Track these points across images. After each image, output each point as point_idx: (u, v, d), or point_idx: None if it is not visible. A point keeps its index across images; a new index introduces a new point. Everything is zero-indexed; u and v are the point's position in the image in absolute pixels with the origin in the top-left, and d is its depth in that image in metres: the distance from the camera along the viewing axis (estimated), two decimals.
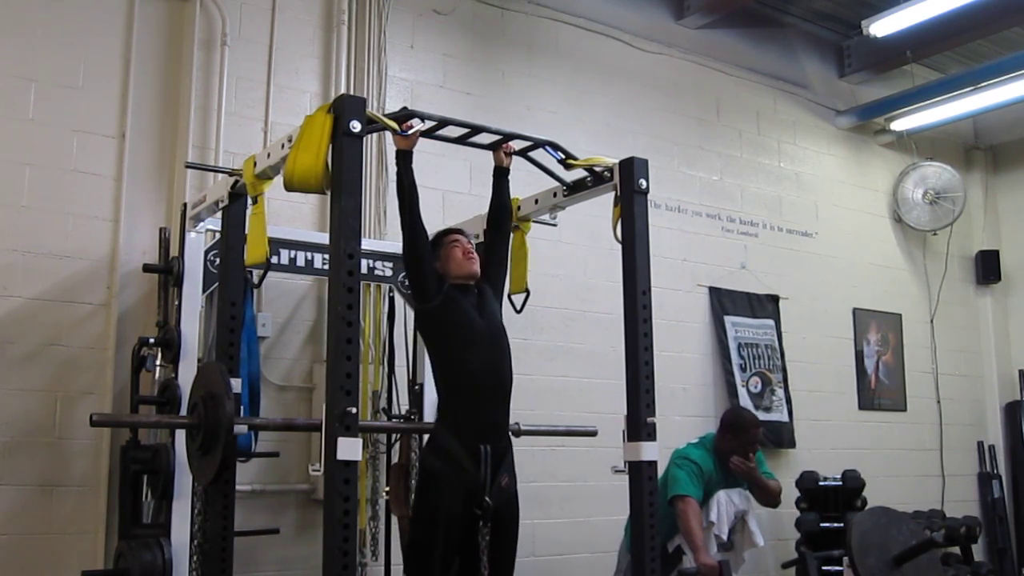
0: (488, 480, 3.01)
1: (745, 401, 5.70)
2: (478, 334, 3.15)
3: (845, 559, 4.16)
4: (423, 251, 3.17)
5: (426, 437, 4.01)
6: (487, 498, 2.99)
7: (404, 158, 3.08)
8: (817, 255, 6.49)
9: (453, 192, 4.90)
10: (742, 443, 4.41)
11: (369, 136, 3.58)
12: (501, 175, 3.43)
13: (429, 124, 3.14)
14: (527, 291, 3.61)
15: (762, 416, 5.69)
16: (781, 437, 5.92)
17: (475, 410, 3.09)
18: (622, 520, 4.21)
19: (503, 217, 3.47)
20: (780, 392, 5.98)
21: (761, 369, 5.92)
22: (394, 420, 4.25)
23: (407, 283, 3.35)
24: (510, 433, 3.26)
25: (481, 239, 3.84)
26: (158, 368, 3.72)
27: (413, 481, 4.01)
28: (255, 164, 3.01)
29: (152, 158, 4.17)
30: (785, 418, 5.96)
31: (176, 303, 3.66)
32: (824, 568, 4.74)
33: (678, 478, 4.25)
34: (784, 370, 6.04)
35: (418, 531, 3.06)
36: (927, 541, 3.01)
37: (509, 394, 3.23)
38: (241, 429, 2.93)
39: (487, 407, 3.12)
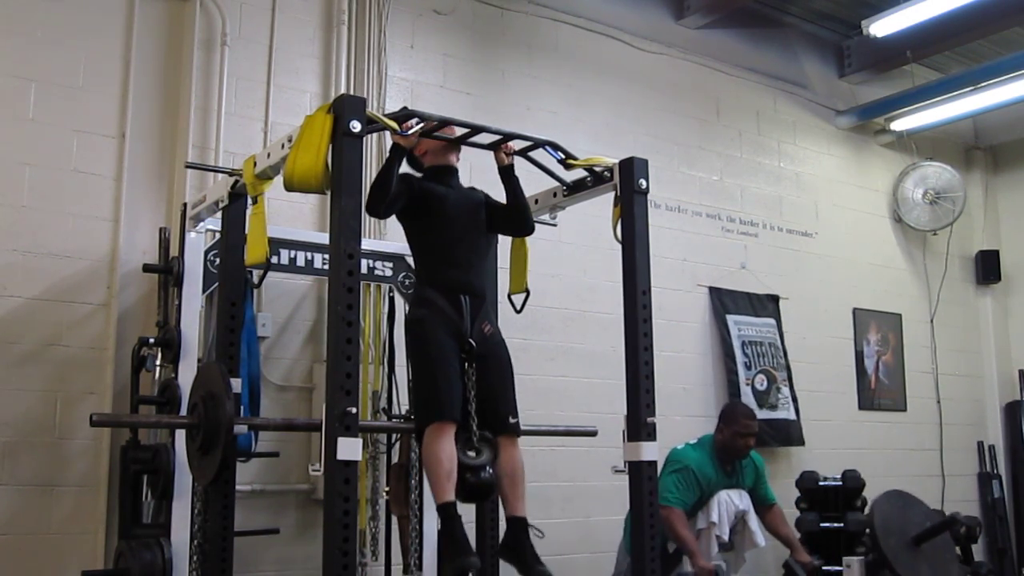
0: (469, 325, 3.08)
1: (749, 399, 5.68)
2: (450, 205, 3.19)
3: (844, 559, 4.18)
4: (397, 206, 3.17)
5: None
6: (470, 339, 3.06)
7: (398, 153, 3.08)
8: (817, 255, 6.49)
9: None
10: (735, 431, 4.44)
11: (369, 136, 3.57)
12: (507, 174, 3.40)
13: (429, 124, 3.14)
14: (527, 291, 3.60)
15: (768, 414, 5.69)
16: (788, 435, 5.91)
17: (450, 271, 3.14)
18: (622, 520, 4.22)
19: (523, 219, 3.39)
20: (786, 390, 5.98)
21: (766, 367, 5.92)
22: (394, 420, 4.25)
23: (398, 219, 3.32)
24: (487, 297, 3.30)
25: None
26: (158, 368, 3.72)
27: (413, 481, 4.01)
28: (255, 164, 3.01)
29: (152, 158, 4.17)
30: (792, 416, 5.96)
31: (176, 303, 3.66)
32: (824, 568, 4.74)
33: (666, 485, 4.26)
34: (788, 368, 6.04)
35: (423, 367, 3.06)
36: (948, 519, 3.03)
37: (485, 268, 3.32)
38: (241, 429, 2.93)
39: (463, 270, 3.16)
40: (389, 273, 4.23)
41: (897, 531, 2.80)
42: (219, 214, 3.36)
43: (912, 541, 2.83)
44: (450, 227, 3.16)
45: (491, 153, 3.51)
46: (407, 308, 3.34)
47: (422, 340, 3.06)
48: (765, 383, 5.89)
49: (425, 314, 3.07)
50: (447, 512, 2.87)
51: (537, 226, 3.73)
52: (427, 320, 3.06)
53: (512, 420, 3.12)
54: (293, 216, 4.37)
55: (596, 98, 5.57)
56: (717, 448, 4.49)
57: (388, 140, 4.62)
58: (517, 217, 3.37)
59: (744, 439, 4.45)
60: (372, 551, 4.22)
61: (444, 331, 3.04)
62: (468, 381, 3.05)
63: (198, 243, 3.70)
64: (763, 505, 4.62)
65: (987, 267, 7.37)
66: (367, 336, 4.27)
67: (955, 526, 3.18)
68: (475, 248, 3.23)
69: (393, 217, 4.60)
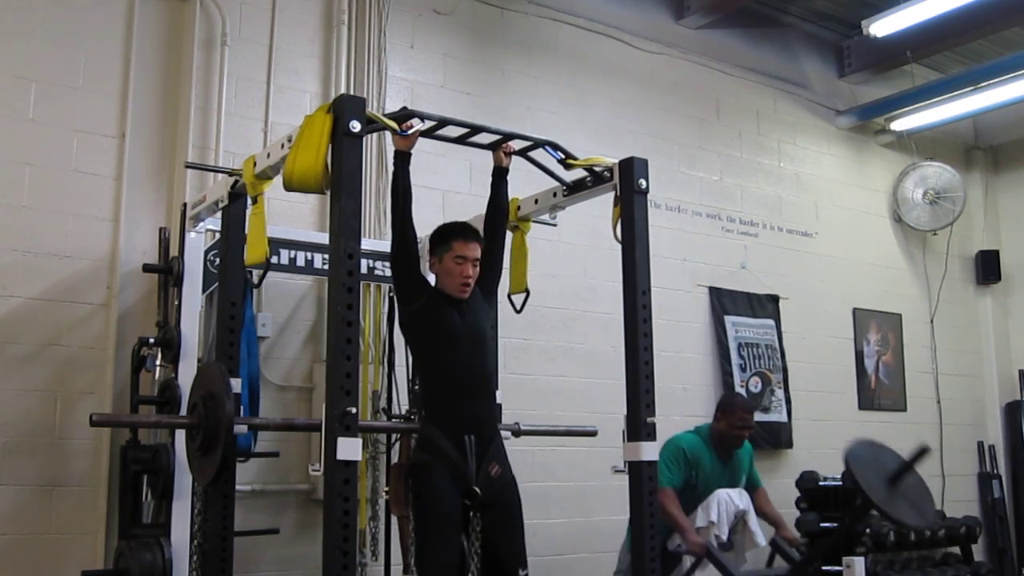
0: (474, 469, 3.02)
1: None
2: (459, 335, 3.14)
3: (844, 559, 4.19)
4: (410, 253, 3.19)
5: None
6: (475, 487, 3.00)
7: (402, 159, 3.08)
8: (817, 255, 6.49)
9: (453, 192, 4.90)
10: (731, 423, 4.46)
11: (369, 136, 3.58)
12: (500, 176, 3.42)
13: (429, 124, 3.14)
14: (527, 291, 3.60)
15: (761, 416, 5.69)
16: (779, 437, 5.92)
17: (456, 405, 3.09)
18: (622, 520, 4.21)
19: (500, 220, 3.46)
20: (780, 392, 5.98)
21: (761, 369, 5.92)
22: (394, 420, 4.25)
23: (393, 281, 3.33)
24: (498, 427, 3.27)
25: None
26: (158, 368, 3.72)
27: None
28: (255, 164, 3.01)
29: (152, 158, 4.17)
30: (784, 418, 5.97)
31: (176, 303, 3.66)
32: (824, 568, 4.73)
33: (658, 468, 4.28)
34: (784, 370, 6.05)
35: (419, 524, 3.03)
36: (918, 451, 3.06)
37: (491, 390, 3.26)
38: (241, 429, 2.93)
39: (469, 402, 3.12)
40: (389, 273, 4.22)
41: (873, 473, 2.84)
42: (219, 214, 3.36)
43: (888, 481, 2.88)
44: (457, 357, 3.12)
45: (491, 153, 3.51)
46: (413, 443, 3.26)
47: (422, 492, 3.01)
48: (760, 385, 5.89)
49: (428, 460, 3.03)
50: None
51: (537, 226, 3.74)
52: (429, 468, 3.01)
53: (521, 573, 3.07)
54: (293, 216, 4.37)
55: (596, 98, 5.57)
56: (714, 437, 4.51)
57: (388, 140, 4.66)
58: (498, 220, 3.42)
59: (740, 431, 4.48)
60: (372, 551, 4.22)
61: (447, 481, 2.99)
62: (472, 533, 2.99)
63: (198, 243, 3.70)
64: (752, 488, 4.66)
65: (987, 267, 7.37)
66: (367, 336, 4.27)
67: (924, 454, 3.23)
68: (483, 369, 3.20)
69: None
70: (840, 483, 5.56)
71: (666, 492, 4.26)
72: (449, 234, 3.24)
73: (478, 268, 3.23)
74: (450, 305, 3.18)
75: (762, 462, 5.20)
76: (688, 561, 4.25)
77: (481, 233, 3.54)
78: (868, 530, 5.33)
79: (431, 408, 3.13)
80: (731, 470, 4.54)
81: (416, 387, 4.13)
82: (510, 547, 3.08)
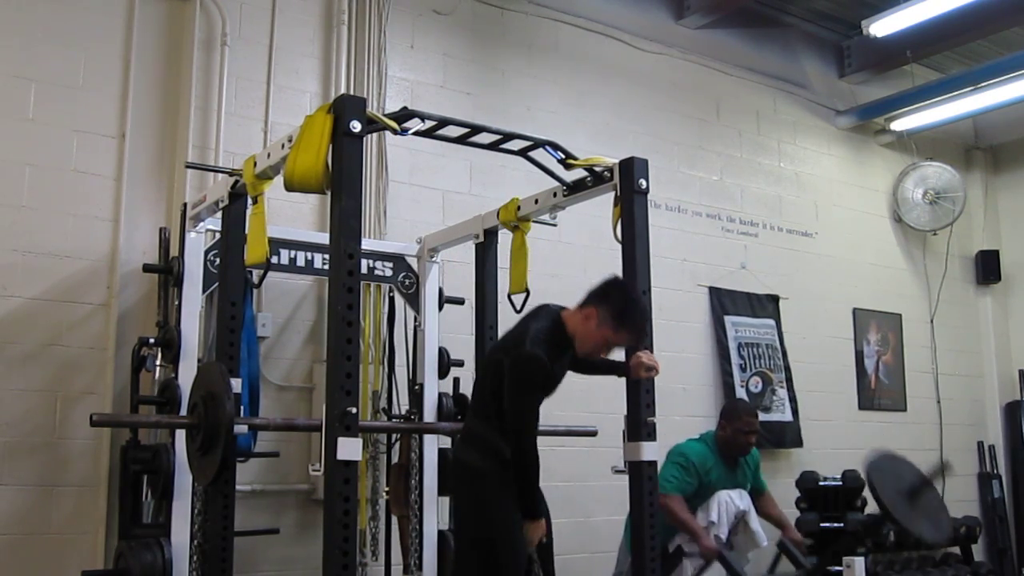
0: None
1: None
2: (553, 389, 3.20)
3: (844, 559, 4.19)
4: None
5: (426, 437, 4.03)
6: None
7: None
8: (817, 255, 6.49)
9: (453, 192, 4.90)
10: (736, 428, 4.47)
11: (369, 136, 3.57)
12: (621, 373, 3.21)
13: (429, 124, 3.13)
14: (527, 291, 3.60)
15: (762, 416, 5.68)
16: (783, 437, 5.91)
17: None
18: (622, 520, 4.22)
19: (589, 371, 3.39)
20: (782, 392, 5.97)
21: (762, 369, 5.92)
22: (394, 420, 4.25)
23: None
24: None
25: (480, 239, 3.85)
26: (158, 368, 3.72)
27: (413, 481, 4.01)
28: (255, 164, 3.01)
29: (152, 158, 4.17)
30: (789, 417, 5.96)
31: (176, 303, 3.66)
32: (824, 568, 4.73)
33: (663, 475, 4.29)
34: (787, 369, 6.04)
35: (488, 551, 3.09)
36: (939, 467, 3.07)
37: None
38: (241, 429, 2.94)
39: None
40: (389, 273, 4.23)
41: (894, 487, 2.85)
42: (219, 214, 3.36)
43: (907, 495, 2.89)
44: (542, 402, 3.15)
45: (491, 153, 3.50)
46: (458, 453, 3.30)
47: (504, 528, 3.05)
48: (760, 385, 5.89)
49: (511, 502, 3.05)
50: None
51: (537, 226, 3.74)
52: (511, 509, 3.05)
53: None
54: (293, 216, 4.37)
55: (596, 98, 5.56)
56: (719, 444, 4.51)
57: (388, 140, 4.66)
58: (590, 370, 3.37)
59: (746, 436, 4.48)
60: (372, 551, 4.22)
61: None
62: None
63: (198, 243, 3.69)
64: (757, 492, 4.67)
65: (987, 267, 7.37)
66: (367, 336, 4.27)
67: (945, 472, 3.26)
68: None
69: (393, 217, 4.67)
70: (840, 483, 5.56)
71: (675, 499, 4.26)
72: (631, 324, 3.05)
73: None
74: (564, 355, 3.14)
75: (766, 462, 5.20)
76: (692, 566, 4.25)
77: (482, 234, 3.53)
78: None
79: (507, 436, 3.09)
80: (737, 476, 4.54)
81: (416, 387, 4.13)
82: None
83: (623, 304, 3.03)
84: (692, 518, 4.28)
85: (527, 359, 3.00)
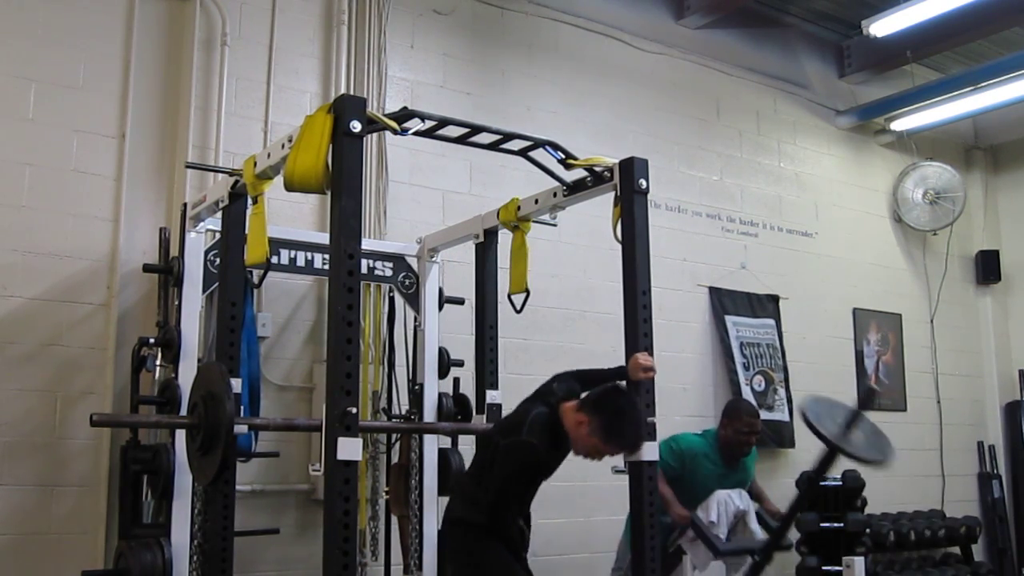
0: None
1: (749, 399, 5.68)
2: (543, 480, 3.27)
3: (844, 559, 4.21)
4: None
5: (426, 437, 4.03)
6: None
7: None
8: (817, 255, 6.49)
9: (453, 192, 4.90)
10: (737, 428, 4.46)
11: (369, 136, 3.57)
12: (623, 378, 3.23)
13: (429, 124, 3.13)
14: (527, 291, 3.60)
15: (765, 415, 5.68)
16: (782, 436, 5.91)
17: (517, 520, 3.26)
18: (622, 520, 4.22)
19: None
20: (782, 391, 5.98)
21: (764, 368, 5.92)
22: (394, 420, 4.25)
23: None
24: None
25: (480, 239, 3.85)
26: (158, 368, 3.72)
27: (413, 481, 4.01)
28: (255, 164, 3.00)
29: (152, 158, 4.17)
30: (786, 417, 5.96)
31: (176, 303, 3.66)
32: (824, 568, 4.75)
33: None
34: (786, 369, 6.04)
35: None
36: (865, 394, 3.10)
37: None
38: (241, 429, 2.93)
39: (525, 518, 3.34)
40: (389, 273, 4.23)
41: (829, 420, 2.93)
42: (219, 214, 3.35)
43: (844, 426, 2.98)
44: (533, 487, 3.23)
45: (491, 153, 3.50)
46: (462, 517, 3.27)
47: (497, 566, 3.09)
48: (763, 384, 5.89)
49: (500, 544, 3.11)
50: None
51: (537, 226, 3.74)
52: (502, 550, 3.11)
53: None
54: (293, 216, 4.37)
55: (596, 98, 5.57)
56: (720, 442, 4.51)
57: (388, 140, 4.66)
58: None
59: (746, 436, 4.48)
60: (372, 551, 4.22)
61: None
62: None
63: (198, 243, 3.69)
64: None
65: (987, 267, 7.37)
66: (367, 336, 4.27)
67: (872, 397, 3.31)
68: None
69: (392, 217, 4.66)
70: (840, 483, 5.56)
71: None
72: (619, 440, 3.04)
73: None
74: (559, 452, 3.18)
75: (764, 462, 5.21)
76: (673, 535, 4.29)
77: (482, 234, 3.53)
78: (868, 530, 5.33)
79: (495, 517, 3.14)
80: (737, 476, 4.53)
81: (416, 387, 4.13)
82: None
83: (613, 418, 3.01)
84: (666, 487, 4.26)
85: (521, 448, 3.04)
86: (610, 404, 3.04)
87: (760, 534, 4.45)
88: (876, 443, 3.16)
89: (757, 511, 4.47)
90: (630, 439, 3.01)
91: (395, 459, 4.19)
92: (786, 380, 6.03)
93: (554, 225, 3.93)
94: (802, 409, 3.07)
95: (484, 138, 3.29)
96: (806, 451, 5.97)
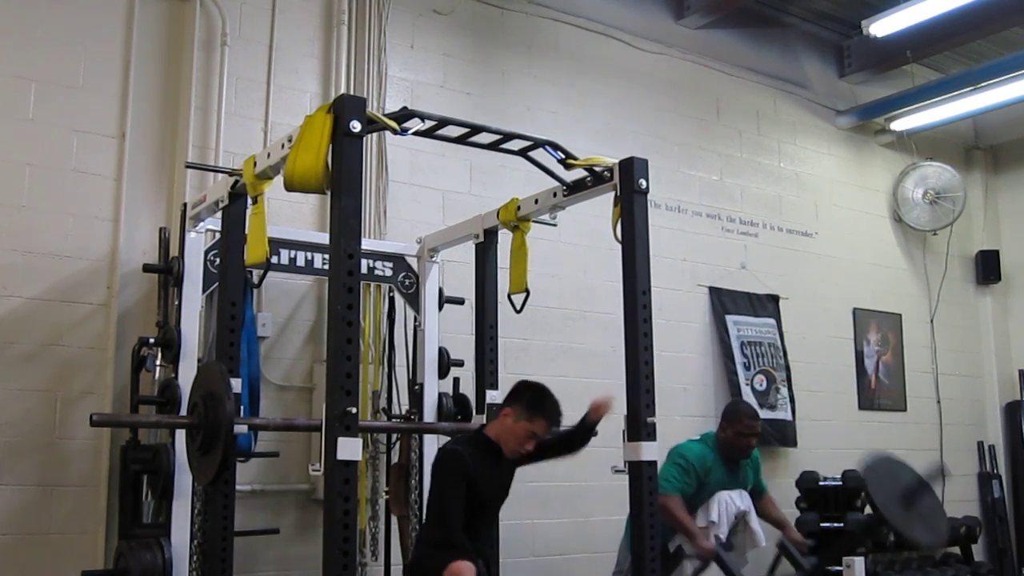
0: None
1: (749, 399, 5.68)
2: (486, 494, 3.28)
3: (844, 559, 4.20)
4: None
5: (426, 437, 4.04)
6: None
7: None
8: (817, 255, 6.49)
9: (453, 192, 4.90)
10: (737, 431, 4.44)
11: (369, 136, 3.57)
12: (588, 429, 3.42)
13: (429, 124, 3.13)
14: (527, 291, 3.60)
15: (767, 414, 5.68)
16: (785, 435, 5.91)
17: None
18: (622, 520, 4.22)
19: (559, 454, 3.52)
20: (785, 390, 5.98)
21: (765, 367, 5.92)
22: (394, 420, 4.25)
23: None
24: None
25: (480, 239, 3.85)
26: (158, 368, 3.72)
27: (413, 481, 4.01)
28: (255, 164, 3.01)
29: (152, 158, 4.17)
30: (789, 417, 5.96)
31: (176, 303, 3.66)
32: (824, 568, 4.73)
33: (665, 475, 4.28)
34: (787, 368, 6.04)
35: None
36: (935, 472, 3.05)
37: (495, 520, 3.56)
38: (241, 429, 2.93)
39: (480, 540, 3.31)
40: (389, 273, 4.23)
41: (890, 490, 2.84)
42: (219, 214, 3.35)
43: (903, 498, 2.88)
44: (480, 508, 3.24)
45: (491, 153, 3.50)
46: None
47: None
48: (765, 383, 5.89)
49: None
50: None
51: (537, 226, 3.74)
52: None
53: None
54: (293, 216, 4.37)
55: (596, 98, 5.57)
56: (720, 445, 4.49)
57: (388, 140, 4.66)
58: (557, 453, 3.50)
59: (746, 439, 4.45)
60: (372, 551, 4.23)
61: None
62: None
63: (198, 243, 3.69)
64: (757, 494, 4.65)
65: (987, 267, 7.37)
66: (367, 336, 4.27)
67: (942, 477, 3.24)
68: (493, 518, 3.47)
69: (392, 217, 4.66)
70: (840, 483, 5.56)
71: (674, 499, 4.25)
72: (543, 412, 3.30)
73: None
74: (489, 458, 3.29)
75: (767, 461, 5.19)
76: (691, 566, 4.24)
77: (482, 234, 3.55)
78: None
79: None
80: (737, 478, 4.52)
81: (416, 387, 4.14)
82: None
83: (532, 395, 3.31)
84: (690, 519, 4.27)
85: (441, 456, 3.28)
86: (525, 388, 3.35)
87: (760, 535, 4.45)
88: (933, 522, 3.04)
89: (782, 541, 4.43)
90: (552, 410, 3.30)
91: (395, 459, 4.19)
92: (788, 379, 6.03)
93: (554, 225, 3.93)
94: (864, 471, 3.00)
95: (484, 138, 3.29)
96: (805, 451, 5.98)
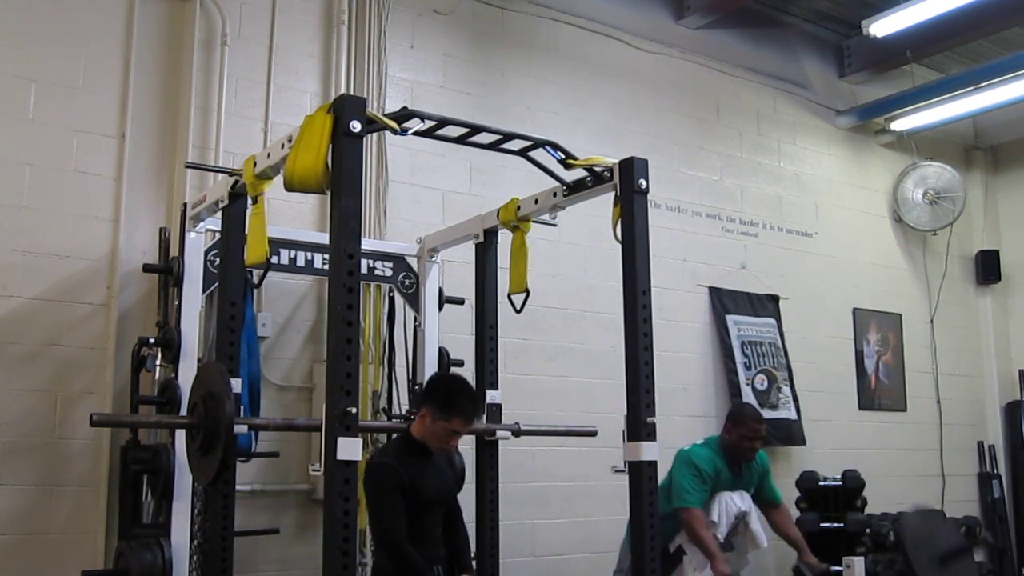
0: None
1: (749, 399, 5.67)
2: (427, 498, 3.28)
3: (844, 559, 4.20)
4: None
5: None
6: None
7: None
8: (817, 255, 6.49)
9: (453, 192, 4.90)
10: (741, 434, 4.41)
11: (369, 136, 3.57)
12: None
13: (429, 124, 3.13)
14: (527, 291, 3.60)
15: (769, 414, 5.67)
16: (790, 435, 5.90)
17: (423, 551, 3.23)
18: (622, 520, 4.21)
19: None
20: (787, 390, 5.97)
21: (766, 367, 5.92)
22: (394, 420, 4.25)
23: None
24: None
25: (480, 239, 3.85)
26: (158, 368, 3.72)
27: None
28: (255, 164, 3.00)
29: (152, 158, 4.17)
30: (793, 415, 5.96)
31: (176, 303, 3.66)
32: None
33: (682, 486, 4.25)
34: (789, 368, 6.04)
35: None
36: (976, 538, 3.02)
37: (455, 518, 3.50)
38: (241, 429, 2.93)
39: (433, 544, 3.32)
40: (389, 273, 4.23)
41: (926, 547, 2.79)
42: (219, 214, 3.35)
43: (940, 559, 2.84)
44: (426, 510, 3.27)
45: (491, 153, 3.50)
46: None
47: None
48: (766, 383, 5.89)
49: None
50: None
51: (537, 226, 3.74)
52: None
53: None
54: (293, 216, 4.37)
55: (596, 98, 5.57)
56: (724, 448, 4.46)
57: (388, 140, 4.66)
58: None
59: (751, 442, 4.41)
60: (372, 551, 4.22)
61: None
62: None
63: (198, 243, 3.69)
64: (770, 505, 4.59)
65: (987, 267, 7.37)
66: (367, 336, 4.27)
67: (983, 544, 3.18)
68: (452, 515, 3.44)
69: (392, 217, 4.66)
70: (840, 483, 5.56)
71: (694, 514, 4.20)
72: (459, 409, 3.26)
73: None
74: (422, 458, 3.33)
75: (769, 460, 5.17)
76: (692, 565, 4.23)
77: (482, 234, 3.53)
78: (868, 530, 5.33)
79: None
80: (742, 481, 4.50)
81: (416, 387, 4.14)
82: None
83: (445, 393, 3.25)
84: (711, 538, 4.19)
85: (369, 470, 3.28)
86: (436, 385, 3.35)
87: (761, 535, 4.44)
88: None
89: (798, 565, 4.39)
90: (468, 405, 3.25)
91: None
92: (790, 378, 6.03)
93: (554, 225, 3.93)
94: (903, 526, 2.93)
95: (484, 138, 3.29)
96: (806, 451, 5.98)
